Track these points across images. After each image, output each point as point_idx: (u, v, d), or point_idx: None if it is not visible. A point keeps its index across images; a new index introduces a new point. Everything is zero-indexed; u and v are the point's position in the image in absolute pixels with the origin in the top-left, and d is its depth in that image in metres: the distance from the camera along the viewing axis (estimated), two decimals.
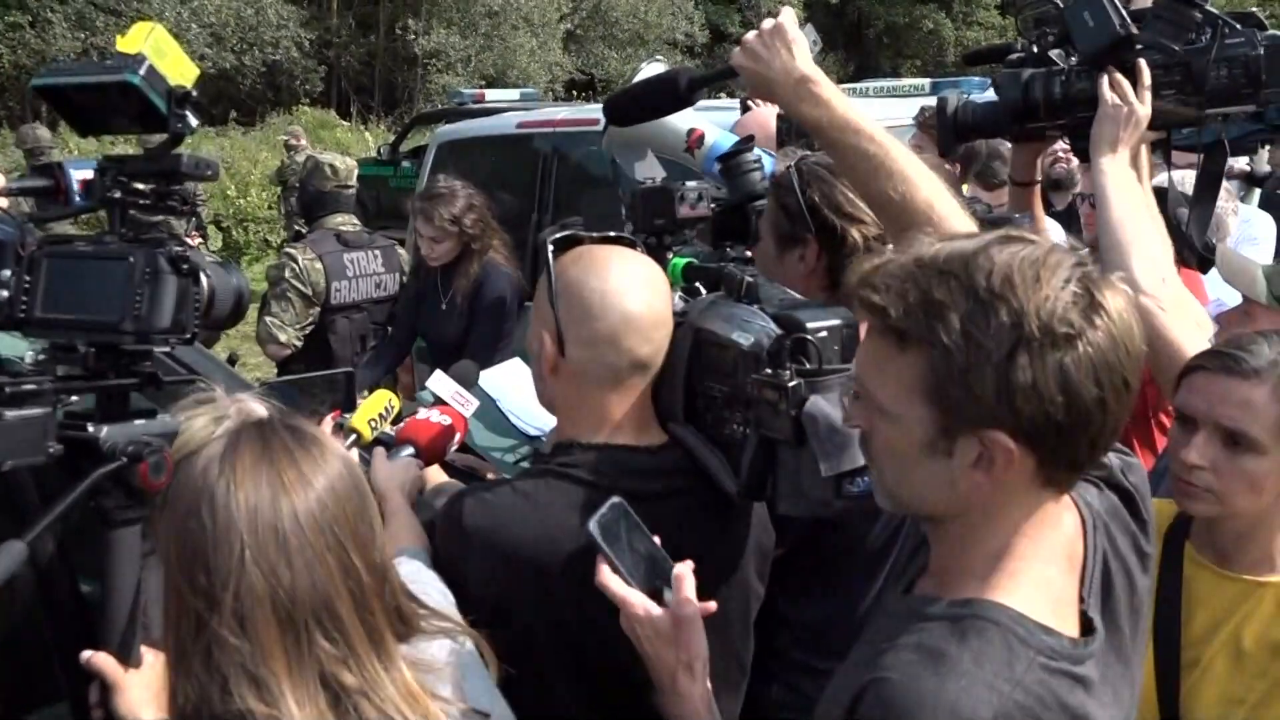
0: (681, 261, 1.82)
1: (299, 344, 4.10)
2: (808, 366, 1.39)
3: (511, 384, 2.36)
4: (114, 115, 1.31)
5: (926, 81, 5.72)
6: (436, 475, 1.90)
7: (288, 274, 4.07)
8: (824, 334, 1.43)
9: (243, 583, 1.04)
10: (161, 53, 1.24)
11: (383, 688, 1.08)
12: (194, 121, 1.26)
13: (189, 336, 1.26)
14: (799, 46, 1.55)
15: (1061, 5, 1.94)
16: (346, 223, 4.28)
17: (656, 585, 1.35)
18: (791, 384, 1.36)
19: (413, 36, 21.64)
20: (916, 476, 1.09)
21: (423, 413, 1.96)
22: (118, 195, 1.28)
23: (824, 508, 1.40)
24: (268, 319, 4.09)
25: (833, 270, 1.83)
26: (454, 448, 1.97)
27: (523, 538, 1.43)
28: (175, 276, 1.23)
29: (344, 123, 20.00)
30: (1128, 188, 1.82)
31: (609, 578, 1.33)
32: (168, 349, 1.29)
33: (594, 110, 5.86)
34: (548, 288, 1.50)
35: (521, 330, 3.90)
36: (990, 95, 2.10)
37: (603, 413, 1.50)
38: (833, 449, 1.36)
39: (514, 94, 13.08)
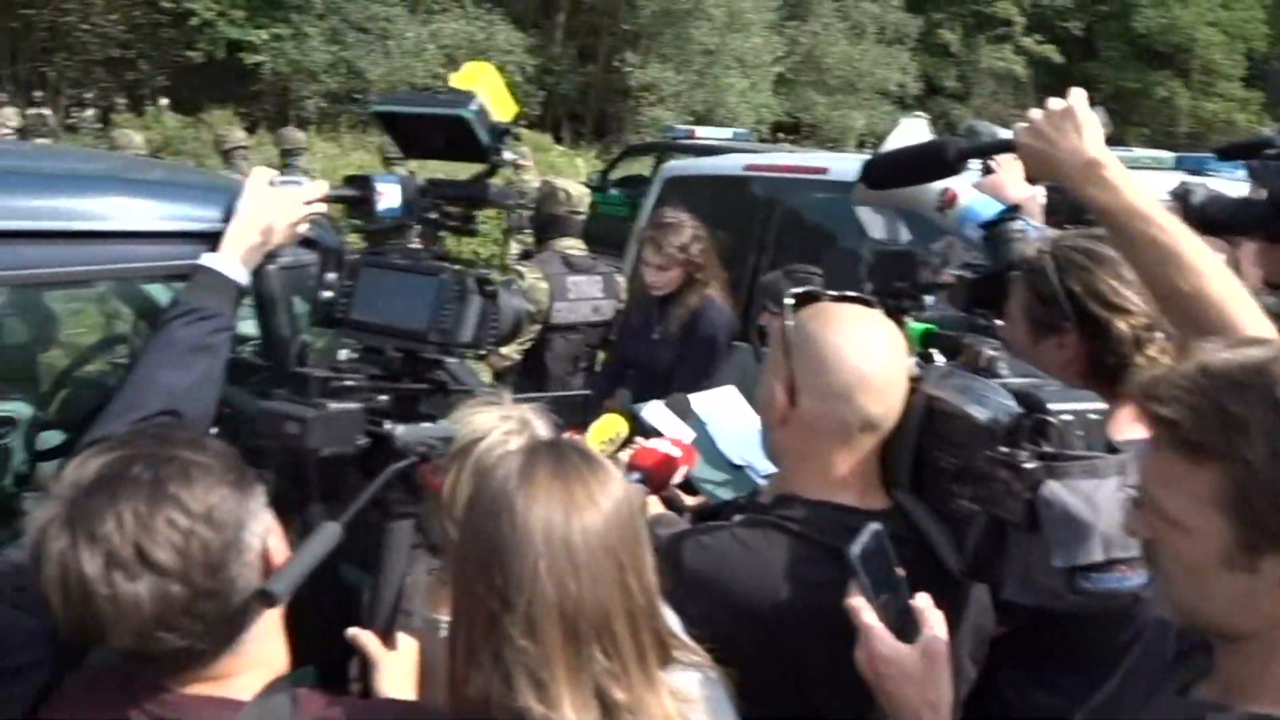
0: (921, 328, 1.79)
1: (518, 358, 4.24)
2: (1047, 449, 1.34)
3: (722, 410, 2.38)
4: (434, 141, 1.44)
5: (1169, 155, 5.38)
6: (654, 505, 1.95)
7: None
8: (1068, 417, 1.38)
9: (536, 590, 1.10)
10: (490, 90, 1.36)
11: (648, 708, 1.12)
12: (509, 155, 1.38)
13: (484, 353, 1.37)
14: (1089, 130, 1.53)
15: None
16: (574, 246, 4.41)
17: (901, 624, 1.32)
18: (1028, 465, 1.32)
19: (629, 69, 22.23)
20: (1214, 591, 1.05)
21: (653, 441, 2.01)
22: (434, 215, 1.41)
23: (1054, 599, 1.36)
24: None
25: (1094, 359, 1.75)
26: (679, 479, 2.01)
27: (741, 585, 1.44)
28: (480, 297, 1.34)
29: (557, 146, 20.72)
30: None
31: (862, 606, 1.30)
32: (458, 360, 1.41)
33: (821, 158, 5.84)
34: (783, 340, 1.51)
35: (729, 368, 3.93)
36: (1240, 177, 2.01)
37: (829, 469, 1.49)
38: (1069, 539, 1.31)
39: (726, 133, 13.18)
